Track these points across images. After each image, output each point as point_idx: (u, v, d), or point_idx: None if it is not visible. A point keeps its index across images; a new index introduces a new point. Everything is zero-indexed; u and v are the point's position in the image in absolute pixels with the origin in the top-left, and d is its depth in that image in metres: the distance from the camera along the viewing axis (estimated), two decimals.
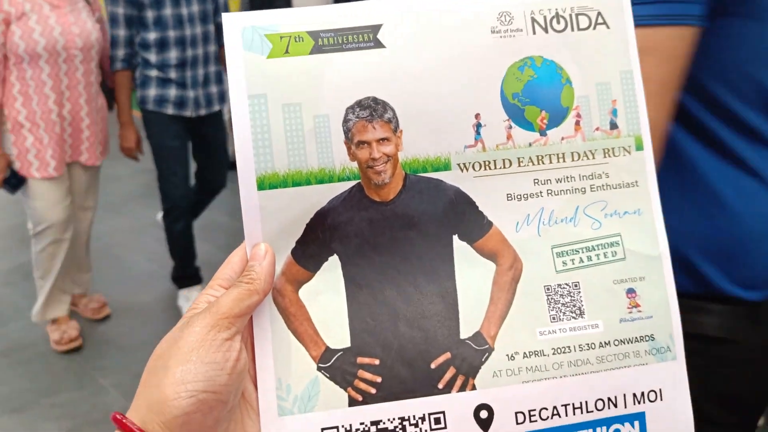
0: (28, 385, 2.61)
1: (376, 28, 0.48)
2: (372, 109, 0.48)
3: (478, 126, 0.49)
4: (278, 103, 0.47)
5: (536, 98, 0.49)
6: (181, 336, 0.43)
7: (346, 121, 0.48)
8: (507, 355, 0.48)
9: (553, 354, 0.48)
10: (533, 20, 0.49)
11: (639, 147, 0.51)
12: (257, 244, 0.47)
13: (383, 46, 0.48)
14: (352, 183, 0.48)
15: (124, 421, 0.41)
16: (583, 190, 0.50)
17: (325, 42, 0.47)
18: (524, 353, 0.48)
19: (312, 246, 0.47)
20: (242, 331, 0.45)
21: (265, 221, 0.47)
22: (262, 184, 0.47)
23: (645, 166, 0.50)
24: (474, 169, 0.49)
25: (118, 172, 4.72)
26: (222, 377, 0.42)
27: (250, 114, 0.47)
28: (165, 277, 3.30)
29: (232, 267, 0.47)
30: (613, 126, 0.50)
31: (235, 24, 0.47)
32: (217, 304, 0.44)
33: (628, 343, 0.49)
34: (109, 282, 3.36)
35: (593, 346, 0.48)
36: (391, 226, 0.48)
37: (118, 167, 4.31)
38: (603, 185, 0.50)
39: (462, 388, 0.47)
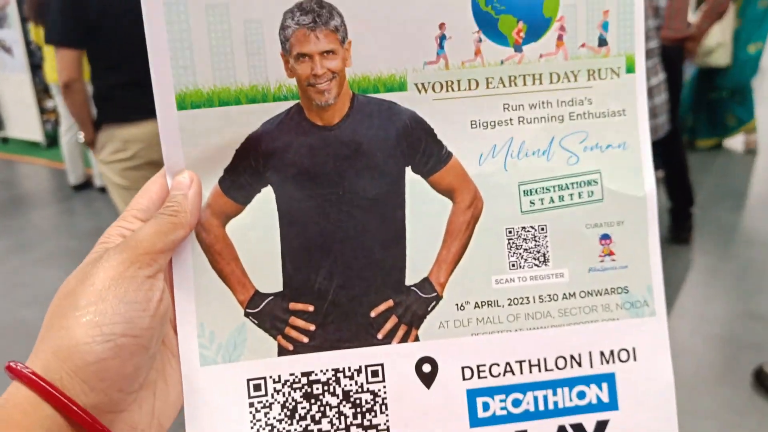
0: None
1: None
2: (315, 14, 0.40)
3: (442, 38, 0.41)
4: (200, 3, 0.39)
5: (514, 5, 0.41)
6: (94, 271, 0.37)
7: (283, 28, 0.40)
8: (456, 305, 0.42)
9: (509, 305, 0.43)
10: None
11: (630, 69, 0.43)
12: (180, 171, 0.41)
13: None
14: (290, 103, 0.41)
15: (21, 369, 0.35)
16: (560, 118, 0.43)
17: None
18: (476, 303, 0.43)
19: (242, 175, 0.41)
20: (164, 270, 0.39)
21: (187, 146, 0.40)
22: (183, 103, 0.40)
23: (635, 91, 0.43)
24: (434, 90, 0.41)
25: None
26: (144, 319, 0.37)
27: (165, 17, 0.39)
28: None
29: (149, 197, 0.41)
30: (602, 42, 0.42)
31: None
32: (136, 238, 0.38)
33: (596, 295, 0.43)
34: None
35: (555, 298, 0.43)
36: (335, 154, 0.41)
37: None
38: (584, 113, 0.43)
39: (404, 339, 0.42)
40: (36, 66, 5.65)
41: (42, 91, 5.80)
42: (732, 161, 4.56)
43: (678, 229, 3.28)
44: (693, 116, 4.60)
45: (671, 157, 3.16)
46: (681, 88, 3.25)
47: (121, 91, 2.06)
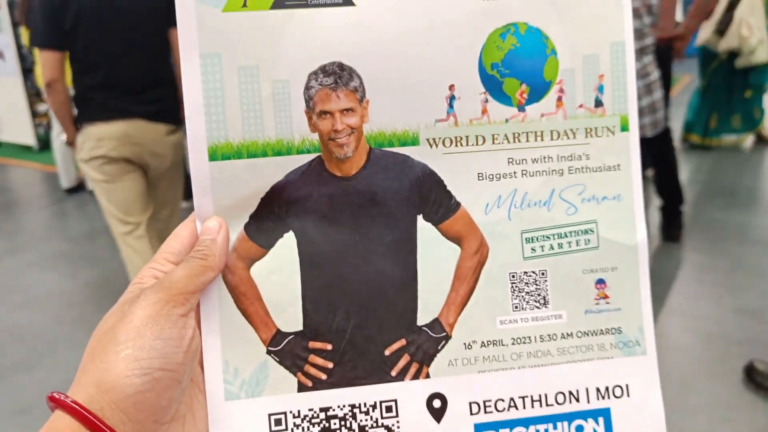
0: None
1: None
2: (337, 76, 0.43)
3: (452, 98, 0.45)
4: (233, 64, 0.43)
5: (517, 70, 0.45)
6: (132, 310, 0.40)
7: (308, 88, 0.43)
8: (464, 344, 0.46)
9: (513, 344, 0.46)
10: None
11: (624, 127, 0.47)
12: (209, 218, 0.44)
13: (353, 4, 0.43)
14: (312, 156, 0.44)
15: (65, 400, 0.38)
16: (560, 172, 0.46)
17: None
18: (482, 342, 0.46)
19: (266, 221, 0.45)
20: (194, 309, 0.43)
21: (217, 194, 0.44)
22: (214, 155, 0.43)
23: (629, 148, 0.47)
24: (444, 145, 0.45)
25: None
26: (178, 355, 0.40)
27: (201, 76, 0.43)
28: None
29: (180, 241, 0.44)
30: (598, 104, 0.46)
31: None
32: (170, 279, 0.41)
33: (592, 335, 0.47)
34: None
35: (555, 337, 0.47)
36: (352, 203, 0.45)
37: None
38: (582, 167, 0.46)
39: (415, 376, 0.46)
40: (28, 70, 5.65)
41: (34, 94, 5.80)
42: (721, 159, 4.63)
43: (669, 227, 3.33)
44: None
45: (662, 155, 3.20)
46: (670, 87, 3.29)
47: (95, 92, 2.23)
